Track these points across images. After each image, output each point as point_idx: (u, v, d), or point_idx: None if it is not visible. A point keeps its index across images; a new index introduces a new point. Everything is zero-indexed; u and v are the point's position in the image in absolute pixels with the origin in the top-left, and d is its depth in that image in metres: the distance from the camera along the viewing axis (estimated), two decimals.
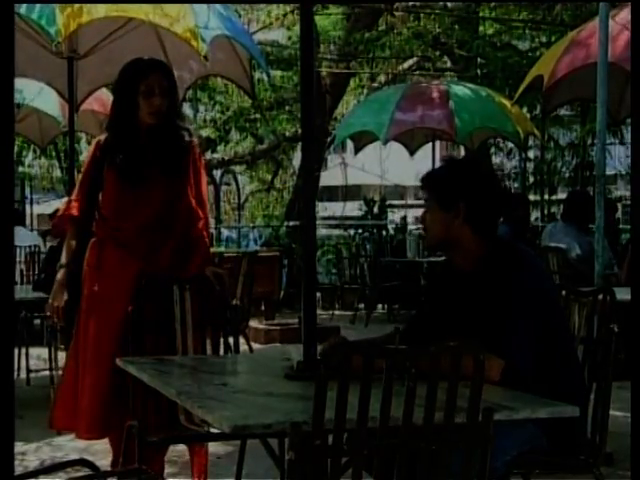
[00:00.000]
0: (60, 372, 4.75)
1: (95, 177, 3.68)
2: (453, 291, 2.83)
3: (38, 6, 4.79)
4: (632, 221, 3.70)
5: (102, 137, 3.75)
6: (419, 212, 2.96)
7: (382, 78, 15.68)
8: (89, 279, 3.64)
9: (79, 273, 3.66)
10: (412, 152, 11.30)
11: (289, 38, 15.57)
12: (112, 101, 3.74)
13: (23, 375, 6.21)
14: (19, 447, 4.57)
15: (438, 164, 3.08)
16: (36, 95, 8.52)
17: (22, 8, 4.81)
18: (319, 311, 9.74)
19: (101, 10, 4.83)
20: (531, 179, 15.25)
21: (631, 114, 3.41)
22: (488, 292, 2.69)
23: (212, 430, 3.19)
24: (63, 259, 3.70)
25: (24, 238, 7.88)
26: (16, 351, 6.25)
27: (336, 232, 15.30)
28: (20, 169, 15.25)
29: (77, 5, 4.76)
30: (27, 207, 15.27)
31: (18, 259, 7.63)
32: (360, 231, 13.27)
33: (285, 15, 14.39)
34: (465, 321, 2.70)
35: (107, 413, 3.58)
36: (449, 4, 13.91)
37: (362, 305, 10.67)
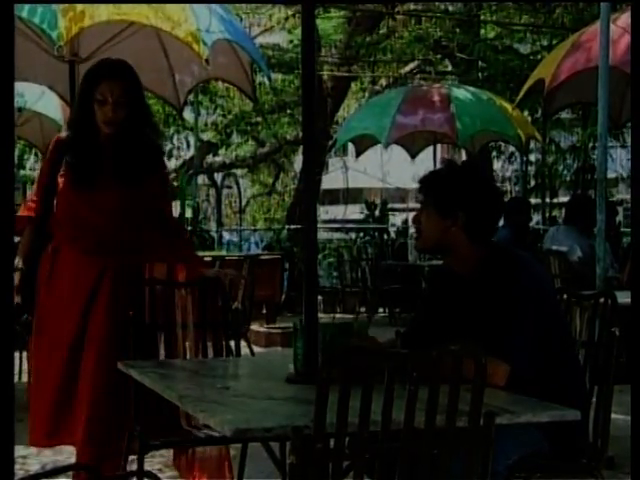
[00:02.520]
0: None
1: (53, 177, 3.54)
2: (453, 295, 2.83)
3: (40, 10, 4.79)
4: (632, 224, 3.70)
5: (63, 134, 3.62)
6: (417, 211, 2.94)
7: (383, 81, 15.70)
8: (41, 290, 3.53)
9: (34, 276, 3.55)
10: (413, 155, 11.30)
11: (290, 42, 15.59)
12: (74, 105, 3.64)
13: (24, 379, 6.20)
14: (20, 451, 4.56)
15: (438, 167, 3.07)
16: (38, 99, 8.53)
17: (24, 12, 4.81)
18: (320, 314, 9.71)
19: (103, 14, 4.83)
20: (532, 182, 15.26)
21: (631, 116, 3.41)
22: (488, 297, 2.68)
23: (213, 433, 3.19)
24: (17, 262, 3.57)
25: None
26: (17, 354, 6.25)
27: (337, 235, 15.30)
28: (22, 172, 15.25)
29: (79, 9, 4.76)
30: None
31: None
32: (361, 234, 13.27)
33: (286, 19, 14.42)
34: (466, 325, 2.70)
35: (56, 422, 3.50)
36: (450, 7, 13.92)
37: (363, 308, 10.66)
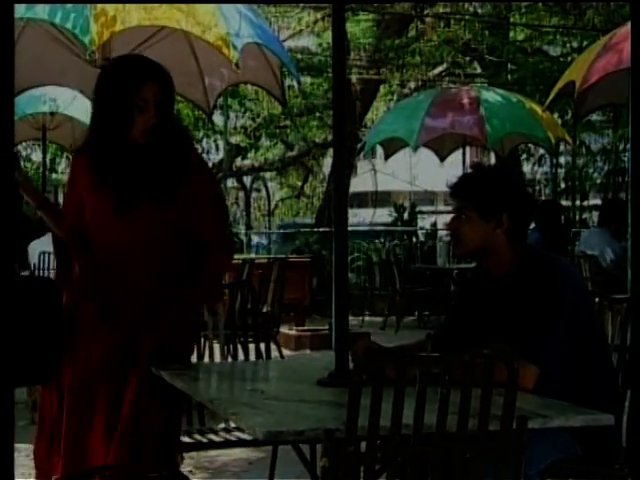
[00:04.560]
0: None
1: (77, 200, 3.08)
2: (486, 297, 2.81)
3: (72, 15, 4.85)
4: (632, 224, 3.67)
5: (78, 153, 3.23)
6: (449, 218, 2.89)
7: (412, 84, 15.68)
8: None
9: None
10: (442, 158, 11.26)
11: (319, 45, 15.63)
12: (96, 113, 3.17)
13: None
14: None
15: (468, 171, 3.03)
16: (69, 103, 8.62)
17: (57, 17, 4.88)
18: (349, 317, 9.72)
19: (134, 19, 4.87)
20: (562, 185, 15.17)
21: (631, 116, 3.36)
22: (522, 298, 2.67)
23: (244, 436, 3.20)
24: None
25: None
26: None
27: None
28: (53, 176, 15.43)
29: (110, 14, 4.81)
30: None
31: (50, 265, 7.69)
32: (390, 237, 13.26)
33: (315, 22, 14.45)
34: (498, 327, 2.69)
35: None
36: (479, 10, 13.89)
37: (392, 311, 10.66)
